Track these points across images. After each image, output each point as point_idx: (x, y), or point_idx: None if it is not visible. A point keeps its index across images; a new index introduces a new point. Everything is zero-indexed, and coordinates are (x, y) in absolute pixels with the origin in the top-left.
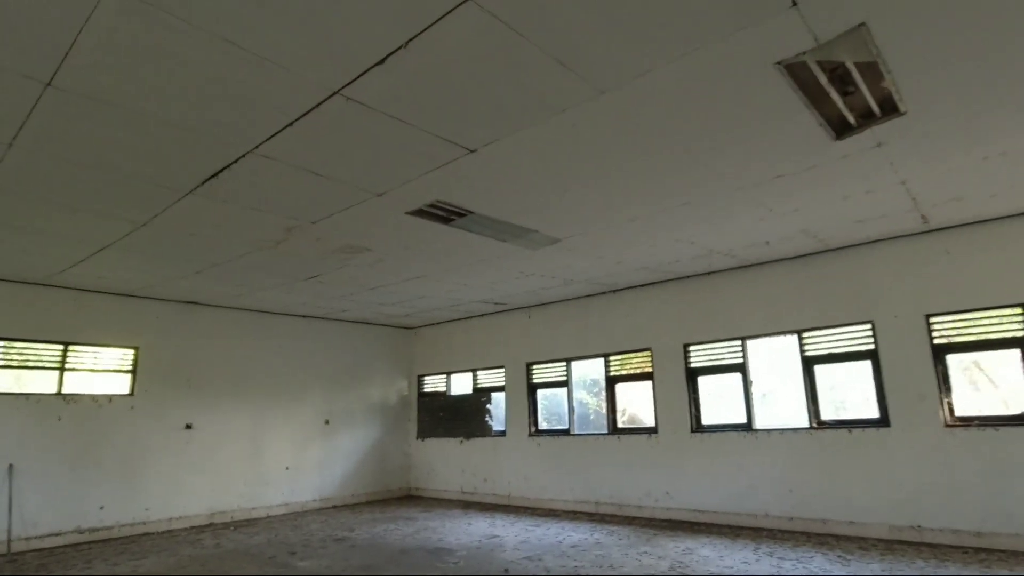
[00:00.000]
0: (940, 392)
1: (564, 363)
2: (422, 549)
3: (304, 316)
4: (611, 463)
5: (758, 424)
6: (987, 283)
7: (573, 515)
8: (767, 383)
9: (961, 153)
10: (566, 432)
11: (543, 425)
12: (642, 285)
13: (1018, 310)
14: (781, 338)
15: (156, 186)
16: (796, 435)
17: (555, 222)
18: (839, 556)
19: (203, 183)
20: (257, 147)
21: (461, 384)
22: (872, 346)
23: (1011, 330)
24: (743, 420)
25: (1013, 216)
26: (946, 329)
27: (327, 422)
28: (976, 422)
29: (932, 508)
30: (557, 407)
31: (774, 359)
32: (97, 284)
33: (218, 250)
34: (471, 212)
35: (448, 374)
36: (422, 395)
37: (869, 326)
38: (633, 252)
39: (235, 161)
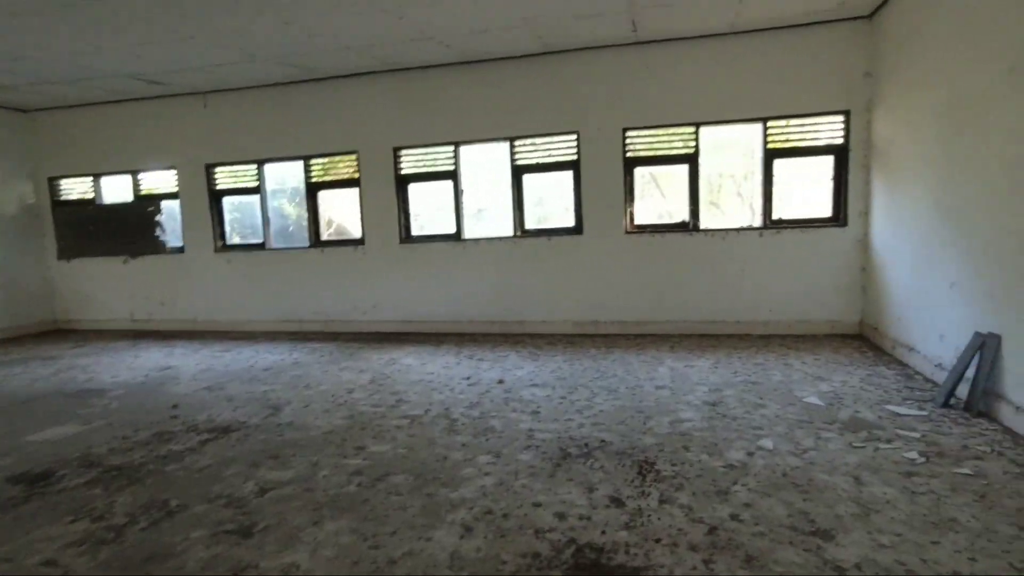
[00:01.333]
0: (626, 202)
1: (256, 166)
2: (59, 393)
3: None
4: (315, 278)
5: (467, 234)
6: (672, 101)
7: (273, 336)
8: (482, 194)
9: None
10: (261, 246)
11: (234, 239)
12: (349, 75)
13: (691, 129)
14: (494, 145)
15: None
16: (502, 244)
17: None
18: (530, 352)
19: None
20: None
21: (117, 189)
22: (576, 157)
23: (684, 147)
24: (453, 230)
25: (705, 36)
26: (636, 143)
27: None
28: (649, 229)
29: (607, 304)
30: (250, 218)
31: (487, 168)
32: None
33: None
34: None
35: (96, 176)
36: (60, 203)
37: (575, 136)
38: (326, 18)
39: None
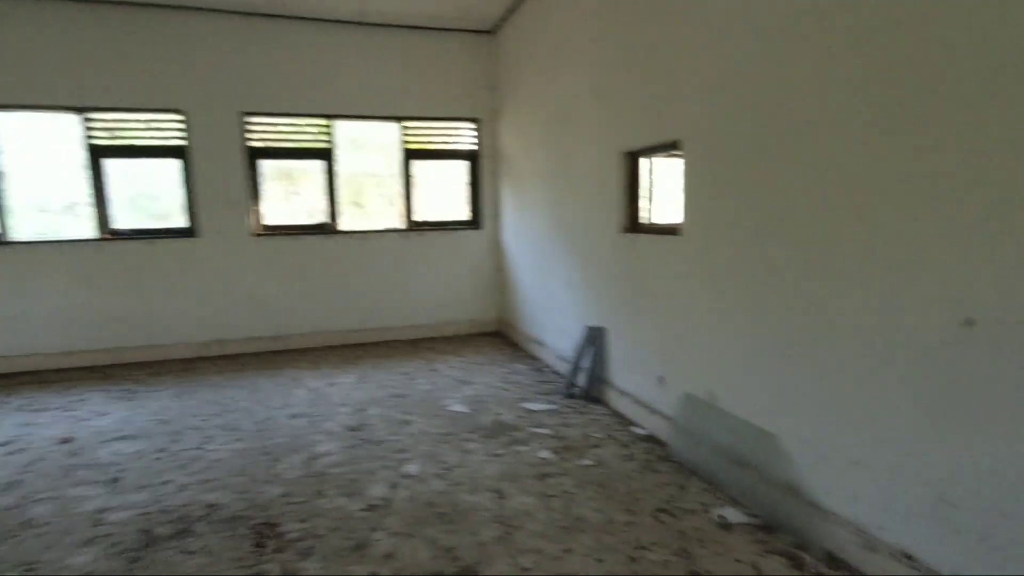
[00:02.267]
0: (250, 200)
1: None
2: None
3: None
4: None
5: (15, 236)
6: (303, 87)
7: None
8: (67, 183)
9: None
10: None
11: None
12: None
13: (325, 121)
14: (57, 115)
15: None
16: (74, 248)
17: None
18: (125, 390)
19: None
20: None
21: None
22: (184, 142)
23: (319, 141)
24: None
25: (338, 22)
26: (261, 132)
27: None
28: (281, 231)
29: (234, 319)
30: None
31: (51, 146)
32: None
33: None
34: None
35: None
36: None
37: (182, 117)
38: None
39: None
